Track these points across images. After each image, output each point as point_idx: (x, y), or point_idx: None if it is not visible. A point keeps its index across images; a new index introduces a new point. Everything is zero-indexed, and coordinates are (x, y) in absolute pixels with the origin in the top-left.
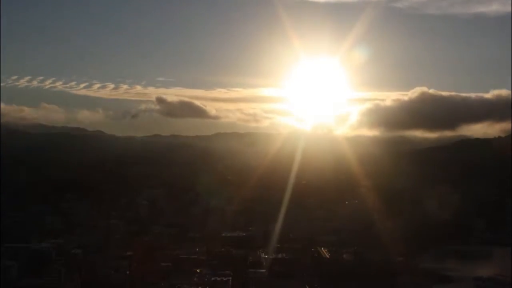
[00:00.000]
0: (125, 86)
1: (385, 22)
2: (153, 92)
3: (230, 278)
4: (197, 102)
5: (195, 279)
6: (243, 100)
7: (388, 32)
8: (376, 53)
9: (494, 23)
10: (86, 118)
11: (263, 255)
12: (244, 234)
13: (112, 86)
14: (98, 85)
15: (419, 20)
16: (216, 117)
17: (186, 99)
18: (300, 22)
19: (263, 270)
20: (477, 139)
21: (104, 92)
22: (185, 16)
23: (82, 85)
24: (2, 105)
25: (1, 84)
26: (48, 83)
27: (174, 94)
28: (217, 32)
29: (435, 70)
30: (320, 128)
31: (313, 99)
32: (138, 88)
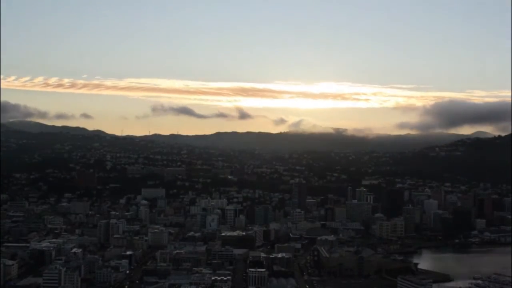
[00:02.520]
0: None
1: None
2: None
3: (230, 277)
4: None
5: (195, 279)
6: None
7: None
8: (357, 41)
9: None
10: None
11: (263, 255)
12: (244, 233)
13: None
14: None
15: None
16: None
17: None
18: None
19: (263, 270)
20: (477, 139)
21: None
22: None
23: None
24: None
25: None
26: None
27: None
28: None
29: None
30: (320, 127)
31: (314, 96)
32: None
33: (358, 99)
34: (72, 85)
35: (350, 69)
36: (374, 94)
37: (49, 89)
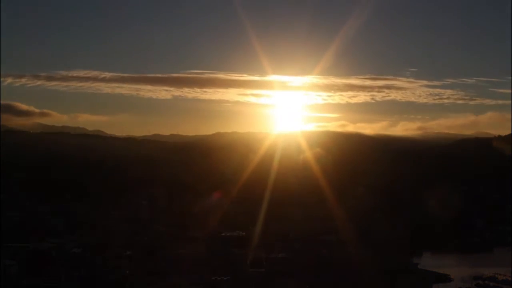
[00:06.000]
0: None
1: None
2: None
3: (230, 278)
4: None
5: (195, 279)
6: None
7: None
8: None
9: None
10: None
11: (263, 255)
12: (244, 233)
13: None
14: None
15: None
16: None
17: None
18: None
19: (263, 270)
20: (477, 139)
21: None
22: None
23: None
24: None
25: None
26: None
27: None
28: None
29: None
30: (320, 126)
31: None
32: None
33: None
34: None
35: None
36: None
37: None
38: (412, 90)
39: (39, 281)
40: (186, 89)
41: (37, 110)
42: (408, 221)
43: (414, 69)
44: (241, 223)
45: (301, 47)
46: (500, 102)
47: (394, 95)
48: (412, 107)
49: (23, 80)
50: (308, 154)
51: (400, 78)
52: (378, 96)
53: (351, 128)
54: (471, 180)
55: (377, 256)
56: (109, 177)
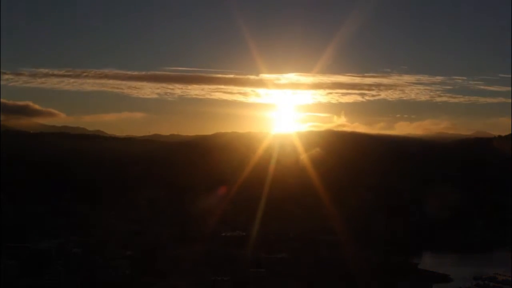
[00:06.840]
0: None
1: None
2: None
3: (230, 278)
4: None
5: (195, 279)
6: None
7: None
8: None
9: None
10: None
11: (263, 255)
12: (244, 234)
13: None
14: None
15: None
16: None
17: None
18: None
19: (263, 270)
20: (477, 139)
21: None
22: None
23: None
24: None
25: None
26: None
27: None
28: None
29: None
30: (317, 126)
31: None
32: None
33: None
34: None
35: None
36: None
37: None
38: (401, 87)
39: (39, 281)
40: (170, 87)
41: (36, 110)
42: (408, 221)
43: (404, 67)
44: (241, 223)
45: (290, 45)
46: (496, 101)
47: (385, 94)
48: (406, 106)
49: (5, 77)
50: (308, 154)
51: (388, 75)
52: (369, 94)
53: (348, 128)
54: (471, 180)
55: (377, 256)
56: (109, 177)
